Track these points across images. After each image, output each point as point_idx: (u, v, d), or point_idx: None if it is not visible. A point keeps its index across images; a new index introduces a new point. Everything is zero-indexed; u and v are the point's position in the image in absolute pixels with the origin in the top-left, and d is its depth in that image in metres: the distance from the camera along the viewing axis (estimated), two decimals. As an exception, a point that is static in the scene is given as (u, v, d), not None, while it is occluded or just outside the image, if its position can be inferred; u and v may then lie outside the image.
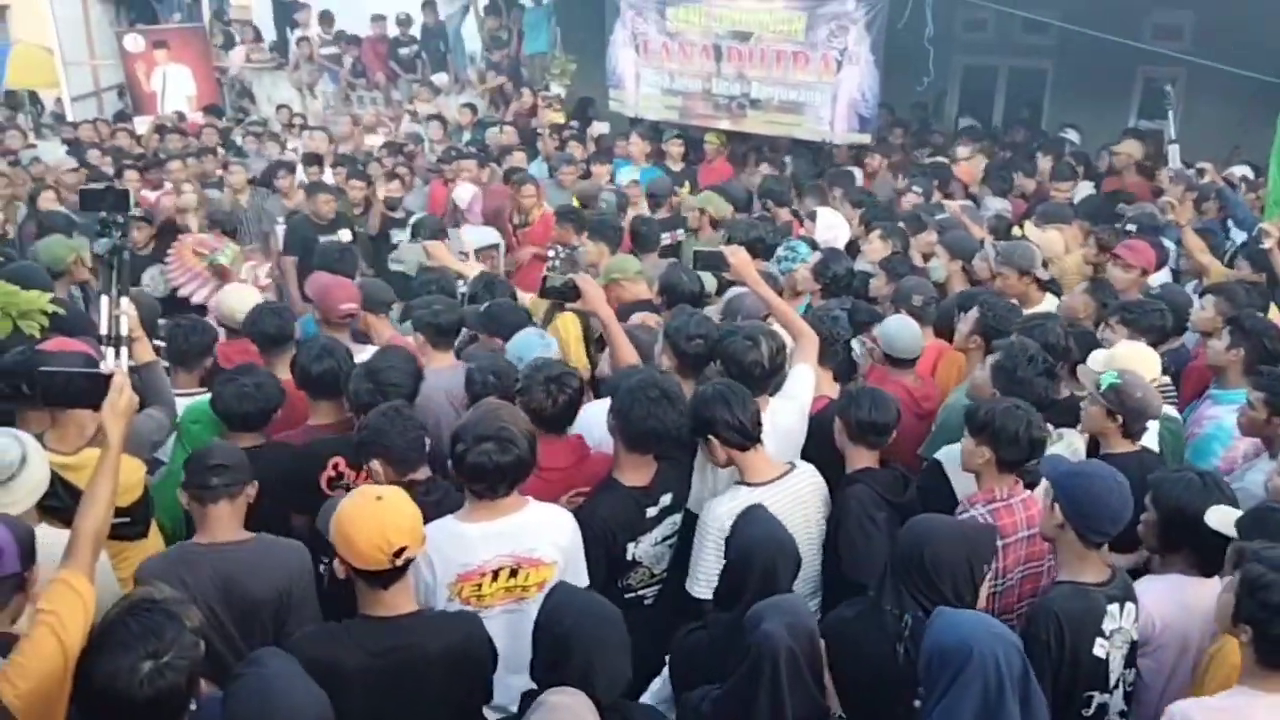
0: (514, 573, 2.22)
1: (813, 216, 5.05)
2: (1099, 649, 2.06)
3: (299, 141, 8.02)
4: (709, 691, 1.95)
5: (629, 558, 2.49)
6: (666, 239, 5.14)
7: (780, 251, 4.20)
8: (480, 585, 2.20)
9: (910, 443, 3.01)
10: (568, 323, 3.61)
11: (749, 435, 2.43)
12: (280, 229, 6.02)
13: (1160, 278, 4.34)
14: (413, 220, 5.41)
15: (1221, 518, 2.12)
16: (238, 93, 10.70)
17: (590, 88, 9.13)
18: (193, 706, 1.57)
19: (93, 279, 4.05)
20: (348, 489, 2.46)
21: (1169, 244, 4.64)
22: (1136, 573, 2.37)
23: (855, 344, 3.47)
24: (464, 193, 5.75)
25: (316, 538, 2.28)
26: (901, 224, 4.75)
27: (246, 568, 2.22)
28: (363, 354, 3.11)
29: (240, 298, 3.54)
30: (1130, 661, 2.15)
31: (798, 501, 2.51)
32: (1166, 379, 2.99)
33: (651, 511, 2.51)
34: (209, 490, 2.22)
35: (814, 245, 4.38)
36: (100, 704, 1.50)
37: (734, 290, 3.68)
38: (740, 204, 5.72)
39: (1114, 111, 7.82)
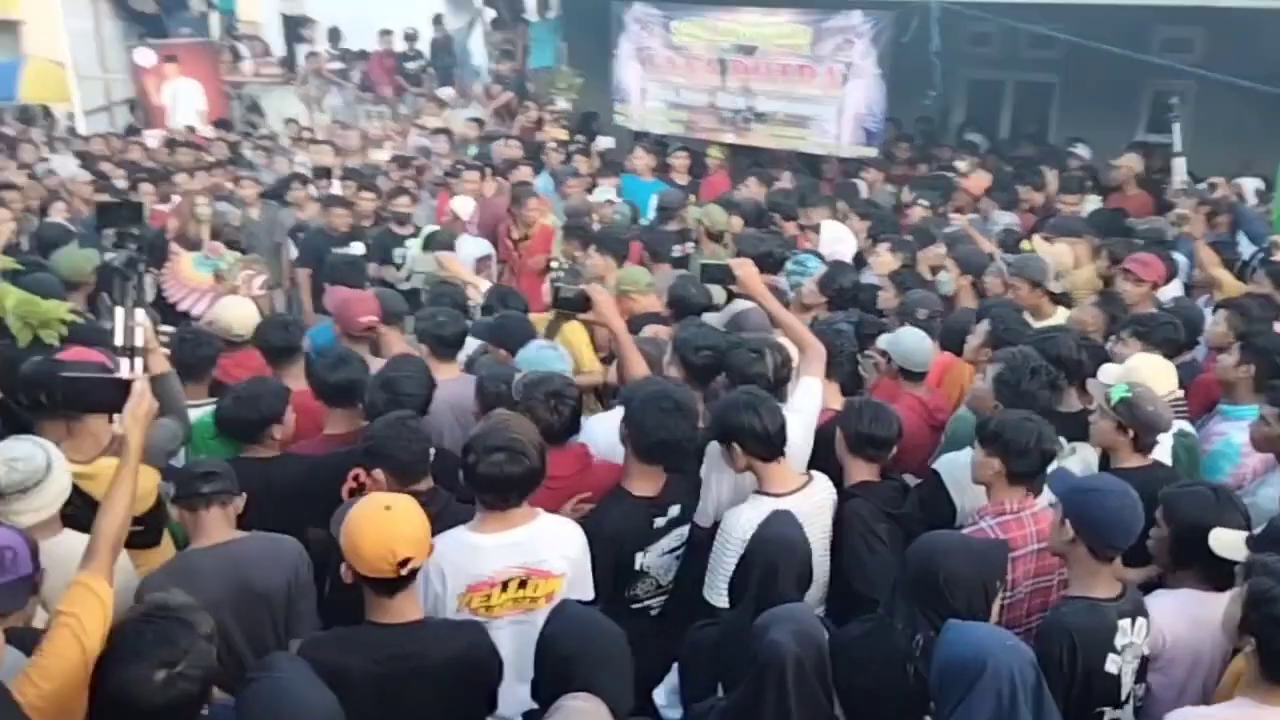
0: (523, 584, 2.22)
1: (817, 229, 5.08)
2: (1111, 664, 2.05)
3: (306, 155, 8.09)
4: (716, 701, 1.95)
5: (637, 567, 2.49)
6: (677, 251, 5.16)
7: (790, 265, 4.21)
8: (489, 596, 2.20)
9: (923, 453, 3.02)
10: (575, 331, 3.63)
11: (775, 446, 2.43)
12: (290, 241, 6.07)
13: (1171, 291, 4.33)
14: (424, 232, 5.45)
15: (1228, 542, 2.11)
16: (247, 107, 10.81)
17: (595, 102, 9.20)
18: (205, 712, 1.58)
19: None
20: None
21: (1180, 258, 4.63)
22: (1147, 587, 2.35)
23: (861, 358, 3.48)
24: (463, 204, 5.80)
25: (332, 547, 2.29)
26: (909, 237, 4.77)
27: (249, 562, 2.25)
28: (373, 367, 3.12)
29: (236, 310, 3.56)
30: (1141, 676, 2.14)
31: (818, 512, 2.51)
32: (1180, 392, 2.98)
33: (660, 522, 2.51)
34: (200, 498, 2.25)
35: (820, 258, 4.40)
36: (115, 711, 1.51)
37: (740, 304, 3.69)
38: (750, 218, 5.74)
39: (1122, 126, 7.83)
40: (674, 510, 2.54)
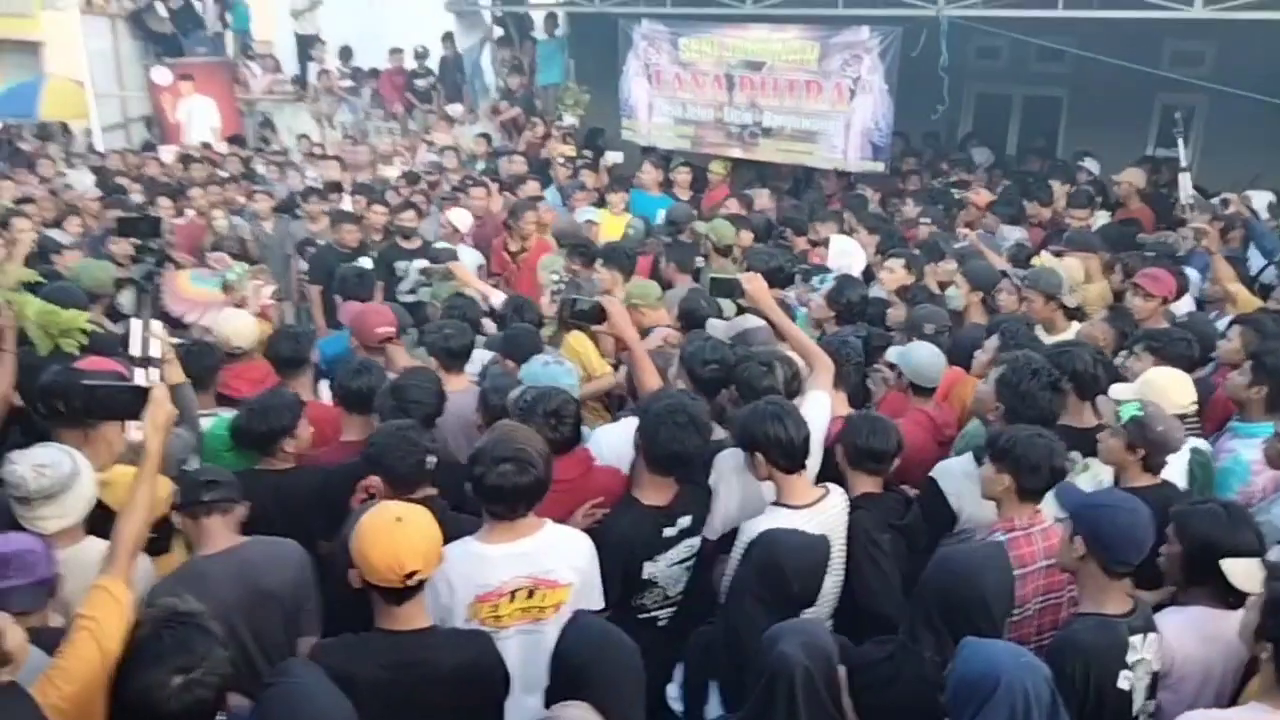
0: (531, 593, 2.22)
1: (826, 243, 5.09)
2: (1123, 681, 2.03)
3: (317, 170, 8.19)
4: (727, 718, 1.94)
5: (644, 576, 2.49)
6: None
7: (814, 281, 4.22)
8: (498, 606, 2.20)
9: (930, 468, 2.99)
10: (579, 339, 3.65)
11: (798, 457, 2.43)
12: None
13: (1184, 307, 4.30)
14: (434, 247, 5.51)
15: (1243, 572, 2.09)
16: (259, 124, 10.96)
17: (602, 118, 9.28)
18: (220, 719, 1.59)
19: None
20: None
21: (1193, 273, 4.62)
22: (1159, 607, 2.33)
23: (870, 371, 3.47)
24: (460, 216, 5.85)
25: (342, 558, 2.30)
26: (916, 251, 4.77)
27: (256, 565, 2.28)
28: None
29: (234, 322, 3.58)
30: (1152, 693, 2.11)
31: (836, 525, 2.50)
32: (1195, 407, 2.95)
33: (669, 532, 2.51)
34: (201, 505, 2.28)
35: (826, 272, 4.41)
36: (132, 715, 1.53)
37: (746, 320, 3.69)
38: (760, 232, 5.77)
39: (1130, 140, 7.82)
40: (684, 521, 2.54)
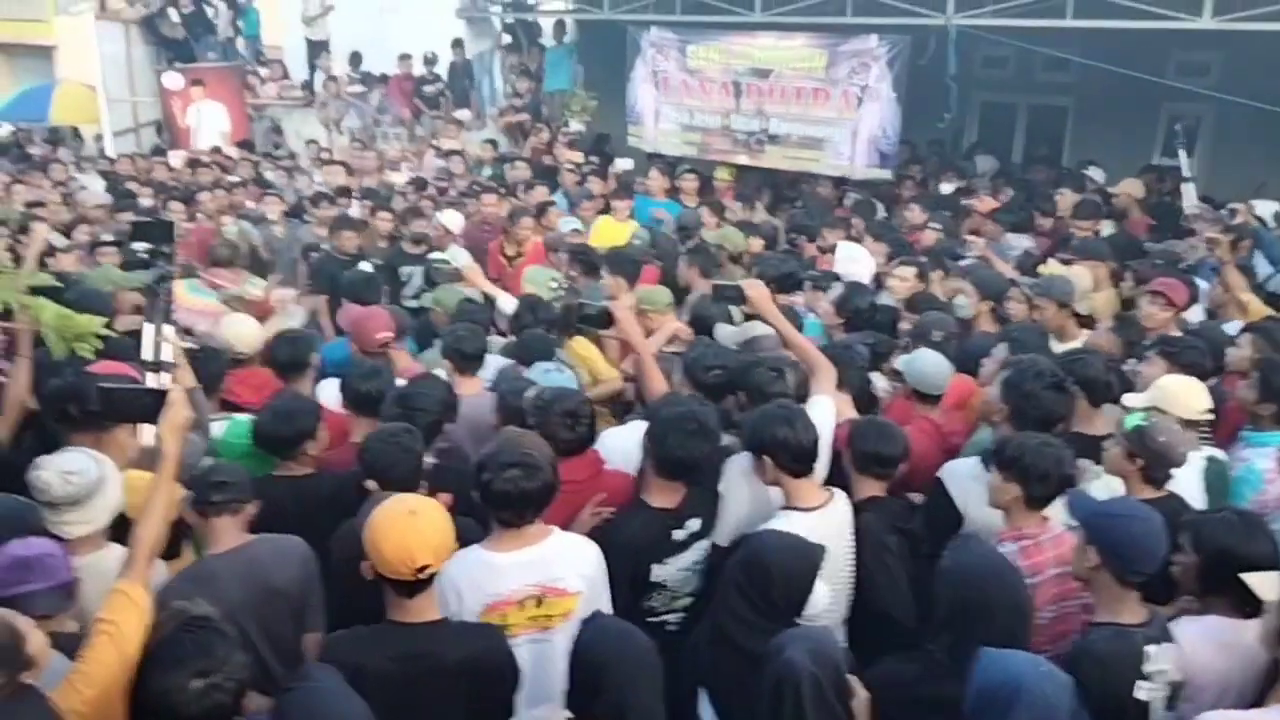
0: (539, 602, 2.22)
1: (834, 250, 5.10)
2: (1141, 692, 2.01)
3: (324, 175, 8.24)
4: None
5: (653, 579, 2.49)
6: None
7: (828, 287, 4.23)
8: (506, 615, 2.20)
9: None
10: (583, 345, 3.66)
11: (807, 461, 2.43)
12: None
13: (1195, 316, 4.28)
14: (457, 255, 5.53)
15: (1267, 583, 2.07)
16: (267, 129, 11.03)
17: (609, 124, 9.32)
18: (238, 723, 1.60)
19: None
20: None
21: (1202, 283, 4.61)
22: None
23: (877, 378, 3.47)
24: (451, 218, 5.88)
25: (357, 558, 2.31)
26: (923, 259, 4.77)
27: (264, 563, 2.30)
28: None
29: (237, 328, 3.59)
30: (1170, 704, 2.09)
31: (842, 528, 2.50)
32: (1210, 415, 2.93)
33: (679, 535, 2.51)
34: (211, 505, 2.30)
35: (836, 279, 4.41)
36: (150, 718, 1.53)
37: (756, 327, 3.69)
38: (769, 239, 5.78)
39: (1136, 149, 7.82)
40: (693, 524, 2.54)
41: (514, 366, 3.39)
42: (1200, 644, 2.12)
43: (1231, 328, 3.88)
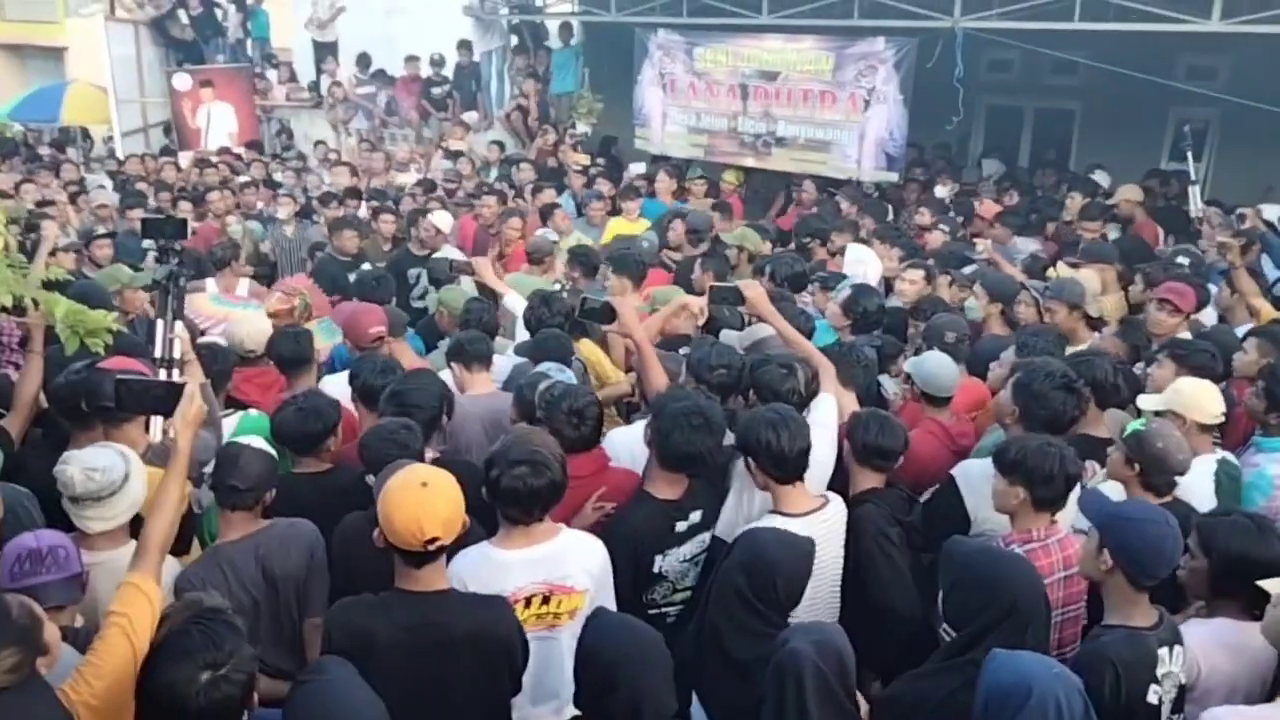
0: (546, 600, 2.22)
1: (842, 252, 5.10)
2: (1152, 695, 2.00)
3: (332, 177, 8.27)
4: None
5: (655, 570, 2.50)
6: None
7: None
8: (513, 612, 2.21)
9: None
10: (589, 348, 3.66)
11: (789, 468, 2.41)
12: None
13: (1208, 320, 4.26)
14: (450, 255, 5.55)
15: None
16: (275, 132, 11.08)
17: (616, 126, 9.33)
18: (245, 718, 1.59)
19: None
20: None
21: (1211, 287, 4.59)
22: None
23: (887, 381, 3.46)
24: (442, 219, 5.92)
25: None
26: (930, 261, 4.77)
27: (272, 550, 2.35)
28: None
29: (247, 326, 3.60)
30: (1178, 706, 2.09)
31: (831, 535, 2.50)
32: (1223, 418, 2.91)
33: (681, 526, 2.52)
34: (228, 496, 2.37)
35: (845, 280, 4.41)
36: (158, 711, 1.53)
37: (761, 329, 3.69)
38: (774, 240, 5.79)
39: (1143, 153, 7.80)
40: (695, 516, 2.55)
41: (528, 364, 3.39)
42: (1209, 647, 2.12)
43: (1243, 332, 3.86)
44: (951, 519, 2.59)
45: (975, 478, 2.64)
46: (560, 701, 2.25)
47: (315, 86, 10.98)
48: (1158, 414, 2.83)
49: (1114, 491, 2.63)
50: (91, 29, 10.92)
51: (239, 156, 9.52)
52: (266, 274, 6.18)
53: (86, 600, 2.07)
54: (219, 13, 11.29)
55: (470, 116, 10.07)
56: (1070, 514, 2.53)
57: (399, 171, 8.67)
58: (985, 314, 4.21)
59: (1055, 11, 6.59)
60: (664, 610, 2.58)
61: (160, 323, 2.51)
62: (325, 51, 10.90)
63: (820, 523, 2.45)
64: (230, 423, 2.99)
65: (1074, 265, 4.75)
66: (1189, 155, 5.72)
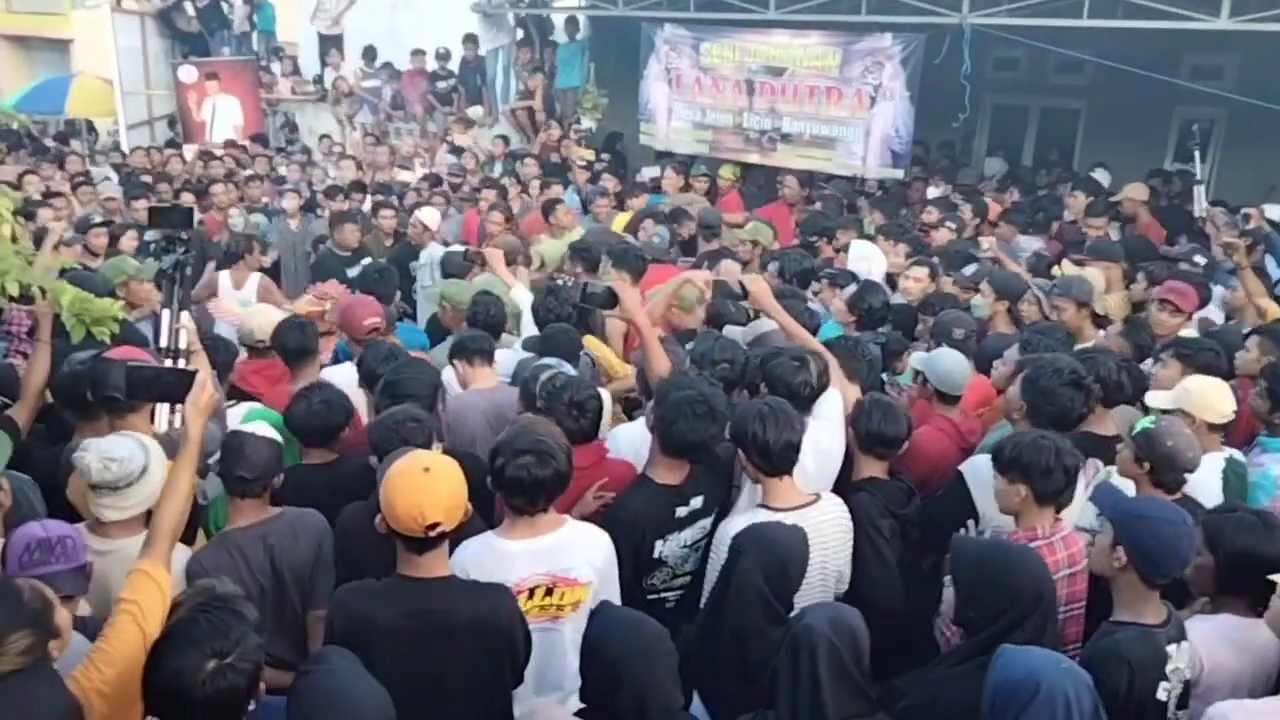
0: (550, 591, 2.23)
1: (846, 249, 5.09)
2: (1161, 692, 2.00)
3: (337, 171, 8.28)
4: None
5: (655, 555, 2.50)
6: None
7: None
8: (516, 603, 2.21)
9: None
10: (594, 345, 3.66)
11: (774, 461, 2.41)
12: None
13: (1217, 319, 4.25)
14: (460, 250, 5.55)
15: None
16: (280, 125, 11.08)
17: (621, 121, 9.31)
18: (251, 707, 1.59)
19: None
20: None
21: (1216, 288, 4.58)
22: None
23: (888, 378, 3.45)
24: (429, 215, 5.92)
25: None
26: (935, 259, 4.76)
27: (282, 539, 2.37)
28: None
29: (259, 318, 3.61)
30: (1184, 702, 2.08)
31: (814, 534, 2.44)
32: (1233, 416, 2.90)
33: (682, 511, 2.52)
34: (235, 484, 2.39)
35: (854, 277, 4.41)
36: (163, 699, 1.53)
37: (765, 324, 3.69)
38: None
39: (1148, 153, 7.77)
40: (696, 501, 2.55)
41: (534, 358, 3.40)
42: (1213, 643, 2.12)
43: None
44: (955, 515, 2.58)
45: (983, 474, 2.62)
46: (564, 693, 2.26)
47: (320, 80, 10.98)
48: (1166, 412, 2.82)
49: (1123, 489, 2.64)
50: (97, 21, 10.91)
51: (244, 149, 9.52)
52: (268, 269, 6.18)
53: (99, 588, 2.07)
54: (225, 5, 11.29)
55: (475, 111, 10.06)
56: (1075, 512, 2.53)
57: (403, 169, 8.67)
58: (992, 311, 4.19)
59: (1064, 8, 6.57)
60: (663, 595, 2.58)
61: (166, 312, 2.52)
62: (330, 45, 10.90)
63: (806, 519, 2.42)
64: (236, 414, 2.99)
65: (1079, 263, 4.74)
66: (1196, 155, 5.70)
